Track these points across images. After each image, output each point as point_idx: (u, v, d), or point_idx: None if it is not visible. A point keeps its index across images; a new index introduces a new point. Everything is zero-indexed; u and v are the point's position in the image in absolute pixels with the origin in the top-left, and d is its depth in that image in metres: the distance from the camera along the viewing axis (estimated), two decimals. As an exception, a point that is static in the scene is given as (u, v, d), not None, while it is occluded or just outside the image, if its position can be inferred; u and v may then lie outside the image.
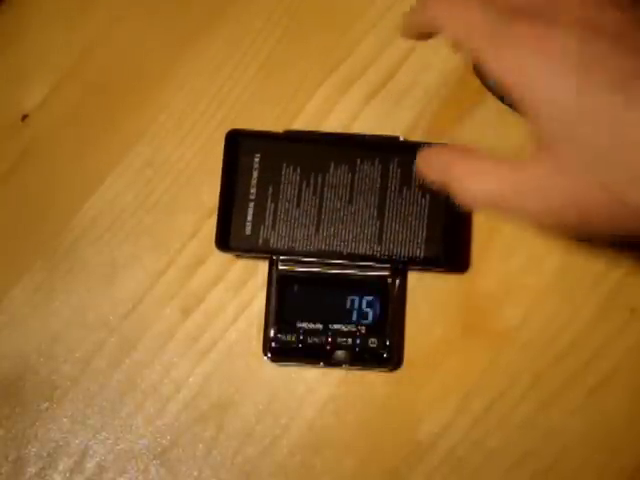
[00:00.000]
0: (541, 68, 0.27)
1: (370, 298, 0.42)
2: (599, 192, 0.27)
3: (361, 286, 0.42)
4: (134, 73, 0.47)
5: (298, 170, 0.42)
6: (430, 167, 0.33)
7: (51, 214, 0.46)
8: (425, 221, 0.42)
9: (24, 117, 0.47)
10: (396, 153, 0.42)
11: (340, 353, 0.42)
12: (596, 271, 0.43)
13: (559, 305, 0.43)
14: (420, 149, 0.33)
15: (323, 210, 0.42)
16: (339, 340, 0.42)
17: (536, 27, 0.28)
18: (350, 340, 0.42)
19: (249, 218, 0.42)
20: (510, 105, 0.45)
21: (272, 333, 0.42)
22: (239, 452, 0.43)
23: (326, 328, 0.42)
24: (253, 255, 0.43)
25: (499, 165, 0.30)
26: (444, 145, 0.33)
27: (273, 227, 0.42)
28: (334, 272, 0.42)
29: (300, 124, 0.45)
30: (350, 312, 0.42)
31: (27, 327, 0.44)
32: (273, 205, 0.42)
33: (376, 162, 0.42)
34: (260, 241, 0.42)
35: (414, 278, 0.43)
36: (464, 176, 0.30)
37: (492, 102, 0.45)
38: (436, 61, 0.46)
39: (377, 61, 0.46)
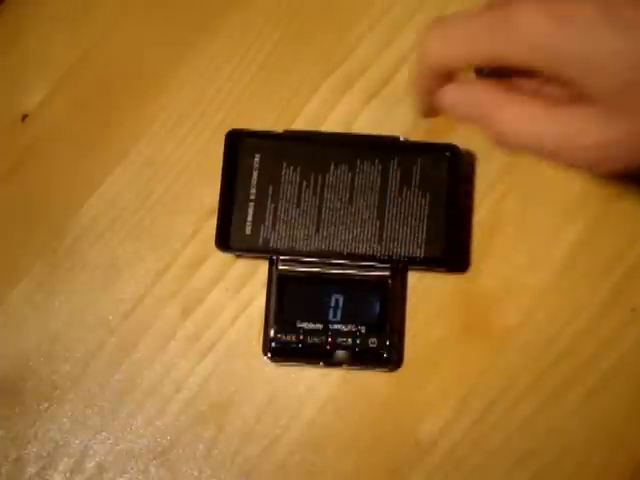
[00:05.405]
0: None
1: (370, 298, 0.42)
2: None
3: (361, 286, 0.42)
4: (134, 73, 0.47)
5: (298, 170, 0.42)
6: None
7: (51, 214, 0.46)
8: (425, 221, 0.42)
9: (24, 117, 0.47)
10: (396, 153, 0.42)
11: (340, 353, 0.42)
12: (596, 271, 0.43)
13: (559, 305, 0.43)
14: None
15: (323, 210, 0.42)
16: (339, 340, 0.42)
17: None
18: (350, 340, 0.42)
19: (249, 218, 0.42)
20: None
21: (272, 333, 0.42)
22: (239, 452, 0.43)
23: (326, 328, 0.42)
24: (253, 255, 0.43)
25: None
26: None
27: (273, 227, 0.42)
28: (334, 272, 0.42)
29: (300, 124, 0.45)
30: (350, 312, 0.42)
31: (27, 327, 0.44)
32: (273, 205, 0.42)
33: (376, 162, 0.42)
34: (260, 241, 0.42)
35: (414, 278, 0.43)
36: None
37: (492, 102, 0.45)
38: (436, 61, 0.46)
39: (377, 61, 0.46)
